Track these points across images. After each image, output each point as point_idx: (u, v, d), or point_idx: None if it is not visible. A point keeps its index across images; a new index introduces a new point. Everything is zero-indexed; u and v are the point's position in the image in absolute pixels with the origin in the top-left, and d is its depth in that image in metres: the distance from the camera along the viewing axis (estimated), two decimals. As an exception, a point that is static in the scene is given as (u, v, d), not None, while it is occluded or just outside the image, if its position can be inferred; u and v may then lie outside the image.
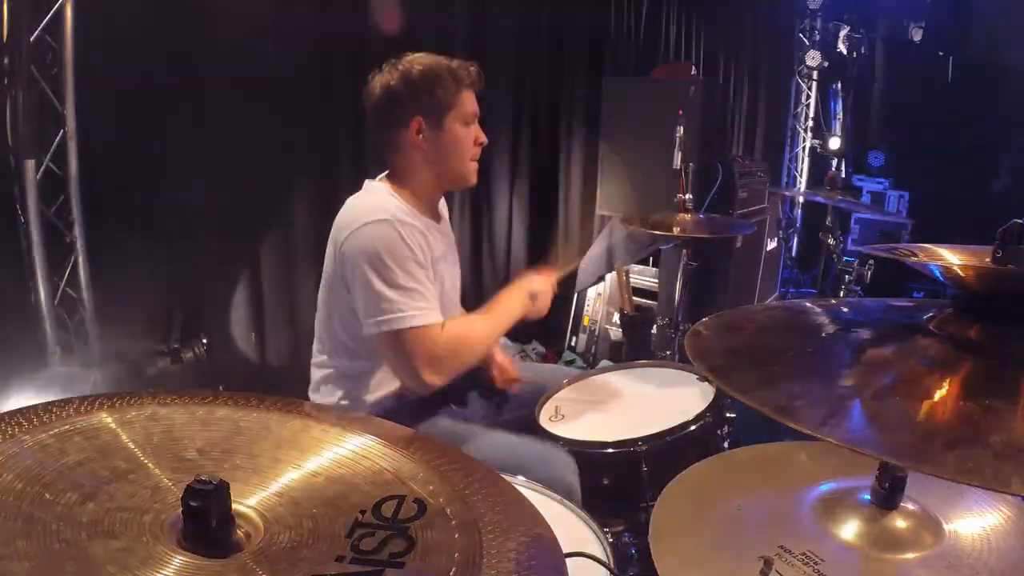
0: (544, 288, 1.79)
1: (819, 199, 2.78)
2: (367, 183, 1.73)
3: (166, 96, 2.56)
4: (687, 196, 2.66)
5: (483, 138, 1.74)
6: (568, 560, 0.73)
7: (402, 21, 3.12)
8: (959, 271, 0.78)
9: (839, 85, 5.84)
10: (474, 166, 1.75)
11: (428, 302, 1.56)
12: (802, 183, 6.45)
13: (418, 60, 1.66)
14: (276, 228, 2.93)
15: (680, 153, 2.83)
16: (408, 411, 1.73)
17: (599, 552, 1.21)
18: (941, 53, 5.45)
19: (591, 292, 4.01)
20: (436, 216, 1.80)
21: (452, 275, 1.85)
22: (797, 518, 0.87)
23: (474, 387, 1.89)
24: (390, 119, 1.66)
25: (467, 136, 1.69)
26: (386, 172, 1.73)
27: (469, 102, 1.69)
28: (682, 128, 2.90)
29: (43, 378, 2.37)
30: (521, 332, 3.83)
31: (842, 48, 5.59)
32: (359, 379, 1.71)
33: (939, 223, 4.46)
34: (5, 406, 2.16)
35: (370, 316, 1.53)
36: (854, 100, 5.61)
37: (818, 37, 6.03)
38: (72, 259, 2.44)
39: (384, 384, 1.72)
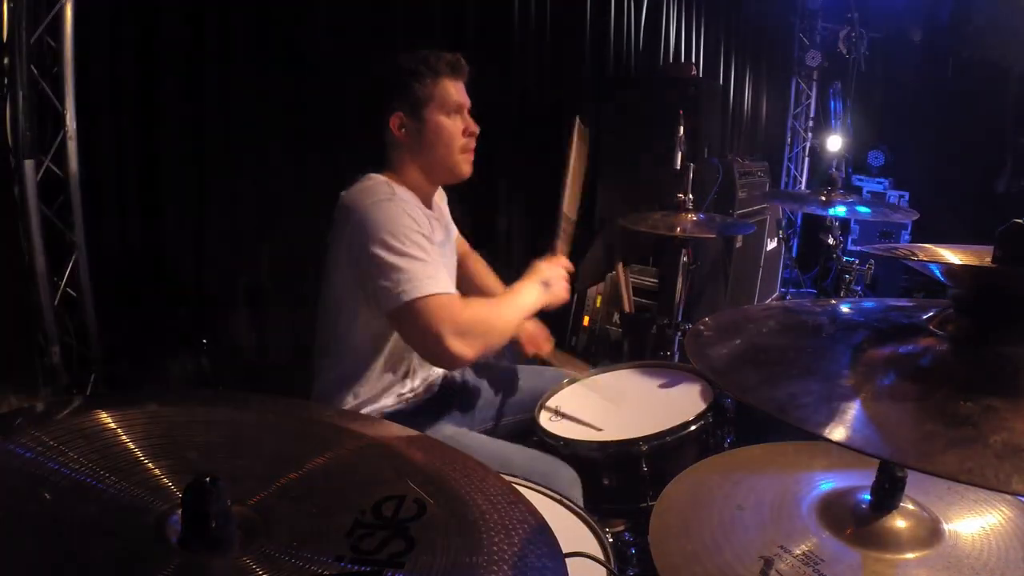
0: (557, 274, 1.76)
1: (819, 210, 2.74)
2: (362, 176, 1.73)
3: (166, 96, 2.56)
4: (687, 196, 2.65)
5: (473, 127, 1.71)
6: (568, 560, 0.73)
7: (402, 20, 3.12)
8: (959, 271, 0.78)
9: (839, 85, 5.84)
10: (466, 157, 1.72)
11: (440, 272, 1.54)
12: (802, 183, 6.46)
13: (397, 57, 1.66)
14: (276, 227, 2.93)
15: (680, 153, 2.83)
16: (410, 413, 1.73)
17: (599, 552, 1.20)
18: (941, 53, 5.45)
19: (591, 292, 4.01)
20: (432, 207, 1.80)
21: (450, 265, 1.84)
22: (797, 518, 0.87)
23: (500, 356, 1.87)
24: (375, 116, 1.67)
25: (451, 127, 1.67)
26: (382, 166, 1.73)
27: (453, 91, 1.67)
28: (682, 128, 2.90)
29: (43, 378, 2.37)
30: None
31: (842, 48, 5.59)
32: (360, 379, 1.70)
33: (939, 223, 4.46)
34: (5, 406, 2.16)
35: (388, 291, 1.49)
36: (854, 100, 5.61)
37: (818, 37, 6.04)
38: (72, 259, 2.44)
39: (386, 384, 1.72)
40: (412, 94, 1.64)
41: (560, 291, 1.76)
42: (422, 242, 1.53)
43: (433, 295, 1.48)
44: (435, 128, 1.66)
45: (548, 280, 1.74)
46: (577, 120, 1.95)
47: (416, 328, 1.51)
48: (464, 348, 1.48)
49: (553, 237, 1.88)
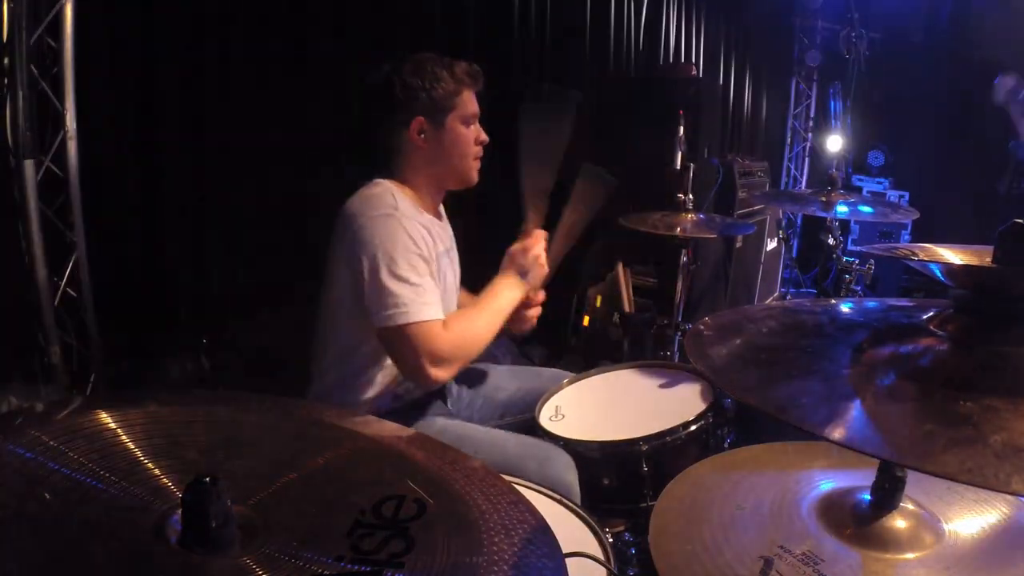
0: (532, 258, 1.76)
1: (819, 211, 2.72)
2: (368, 182, 1.73)
3: (166, 96, 2.56)
4: (687, 196, 2.65)
5: (484, 137, 1.74)
6: (568, 560, 0.73)
7: (403, 21, 3.12)
8: (959, 271, 0.78)
9: (839, 85, 5.84)
10: (476, 165, 1.76)
11: (431, 297, 1.56)
12: (802, 183, 6.46)
13: (418, 61, 1.66)
14: (276, 228, 2.93)
15: (680, 153, 2.83)
16: (406, 411, 1.73)
17: (599, 552, 1.20)
18: (941, 53, 5.45)
19: (591, 292, 4.01)
20: (438, 214, 1.80)
21: (453, 272, 1.85)
22: (797, 518, 0.87)
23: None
24: (391, 120, 1.67)
25: (468, 136, 1.70)
26: (389, 171, 1.73)
27: (470, 102, 1.69)
28: (682, 128, 2.90)
29: (43, 378, 2.37)
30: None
31: (842, 48, 5.59)
32: (358, 379, 1.71)
33: (939, 223, 4.46)
34: (5, 406, 2.16)
35: (375, 310, 1.53)
36: (854, 100, 5.60)
37: (818, 37, 6.04)
38: (72, 259, 2.44)
39: (383, 384, 1.72)
40: (435, 102, 1.64)
41: (539, 274, 1.78)
42: (417, 264, 1.55)
43: (417, 323, 1.51)
44: (453, 136, 1.68)
45: (523, 267, 1.75)
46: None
47: (397, 350, 1.58)
48: (440, 373, 1.56)
49: (524, 217, 1.87)
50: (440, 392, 1.82)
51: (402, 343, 1.54)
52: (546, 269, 1.80)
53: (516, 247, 1.79)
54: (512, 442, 1.64)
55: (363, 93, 1.70)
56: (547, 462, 1.55)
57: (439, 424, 1.72)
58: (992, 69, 4.99)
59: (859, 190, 5.83)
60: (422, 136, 1.66)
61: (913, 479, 0.82)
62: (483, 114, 1.75)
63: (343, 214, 1.64)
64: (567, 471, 1.56)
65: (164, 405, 0.82)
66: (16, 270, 2.30)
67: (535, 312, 1.87)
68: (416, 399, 1.77)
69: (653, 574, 0.81)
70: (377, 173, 1.73)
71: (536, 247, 1.79)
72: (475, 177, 1.77)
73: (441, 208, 1.86)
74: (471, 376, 1.96)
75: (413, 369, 1.56)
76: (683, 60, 4.73)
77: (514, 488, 0.81)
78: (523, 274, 1.75)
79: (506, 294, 1.72)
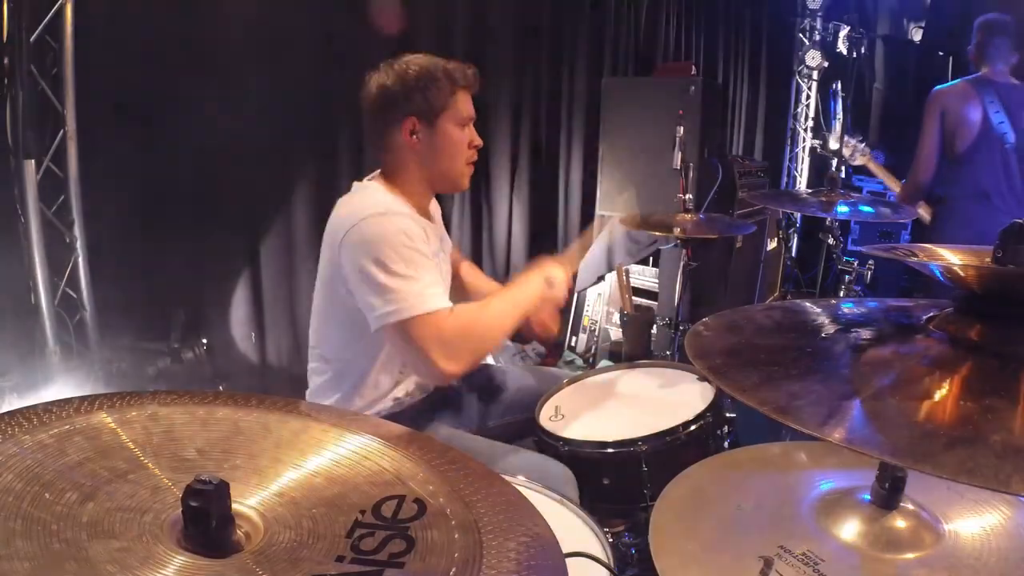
0: (561, 276, 1.74)
1: (819, 211, 2.70)
2: (357, 184, 1.72)
3: (166, 96, 2.56)
4: (687, 196, 2.65)
5: (478, 141, 1.71)
6: (568, 560, 0.73)
7: (402, 20, 3.12)
8: (959, 271, 0.78)
9: (839, 85, 5.84)
10: (468, 170, 1.72)
11: (432, 288, 1.52)
12: (802, 183, 6.46)
13: (414, 60, 1.64)
14: (276, 228, 2.93)
15: (680, 153, 2.83)
16: (406, 416, 1.72)
17: (599, 552, 1.20)
18: (941, 53, 5.45)
19: (591, 292, 4.01)
20: (429, 216, 1.79)
21: (445, 274, 1.84)
22: (797, 518, 0.87)
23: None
24: (384, 119, 1.64)
25: (461, 138, 1.67)
26: (378, 171, 1.72)
27: (464, 104, 1.66)
28: (682, 128, 2.90)
29: (43, 378, 2.37)
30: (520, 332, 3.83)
31: (842, 48, 5.59)
32: (356, 383, 1.69)
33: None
34: (5, 406, 2.16)
35: (375, 310, 1.50)
36: (854, 100, 5.60)
37: (818, 37, 6.04)
38: (72, 259, 2.44)
39: (381, 388, 1.71)
40: (429, 102, 1.61)
41: (559, 294, 1.74)
42: (414, 257, 1.52)
43: (419, 315, 1.48)
44: (446, 138, 1.65)
45: (552, 279, 1.71)
46: None
47: (404, 348, 1.54)
48: (452, 366, 1.50)
49: (577, 239, 1.87)
50: (441, 394, 1.81)
51: (408, 338, 1.49)
52: (563, 298, 1.76)
53: (550, 260, 1.76)
54: (513, 455, 1.62)
55: (362, 91, 1.67)
56: (546, 476, 1.51)
57: (441, 433, 1.70)
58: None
59: (859, 190, 5.83)
60: (414, 136, 1.63)
61: (913, 479, 0.82)
62: (481, 114, 1.74)
63: (334, 215, 1.63)
64: (568, 487, 1.53)
65: (164, 405, 0.82)
66: (16, 270, 2.30)
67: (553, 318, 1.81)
68: (414, 403, 1.77)
69: (653, 574, 0.81)
70: (368, 174, 1.73)
71: (565, 274, 1.76)
72: (465, 183, 1.74)
73: (432, 209, 1.84)
74: (471, 376, 1.96)
75: (421, 363, 1.51)
76: (683, 60, 4.73)
77: (514, 488, 0.81)
78: (549, 282, 1.71)
79: (526, 289, 1.67)
